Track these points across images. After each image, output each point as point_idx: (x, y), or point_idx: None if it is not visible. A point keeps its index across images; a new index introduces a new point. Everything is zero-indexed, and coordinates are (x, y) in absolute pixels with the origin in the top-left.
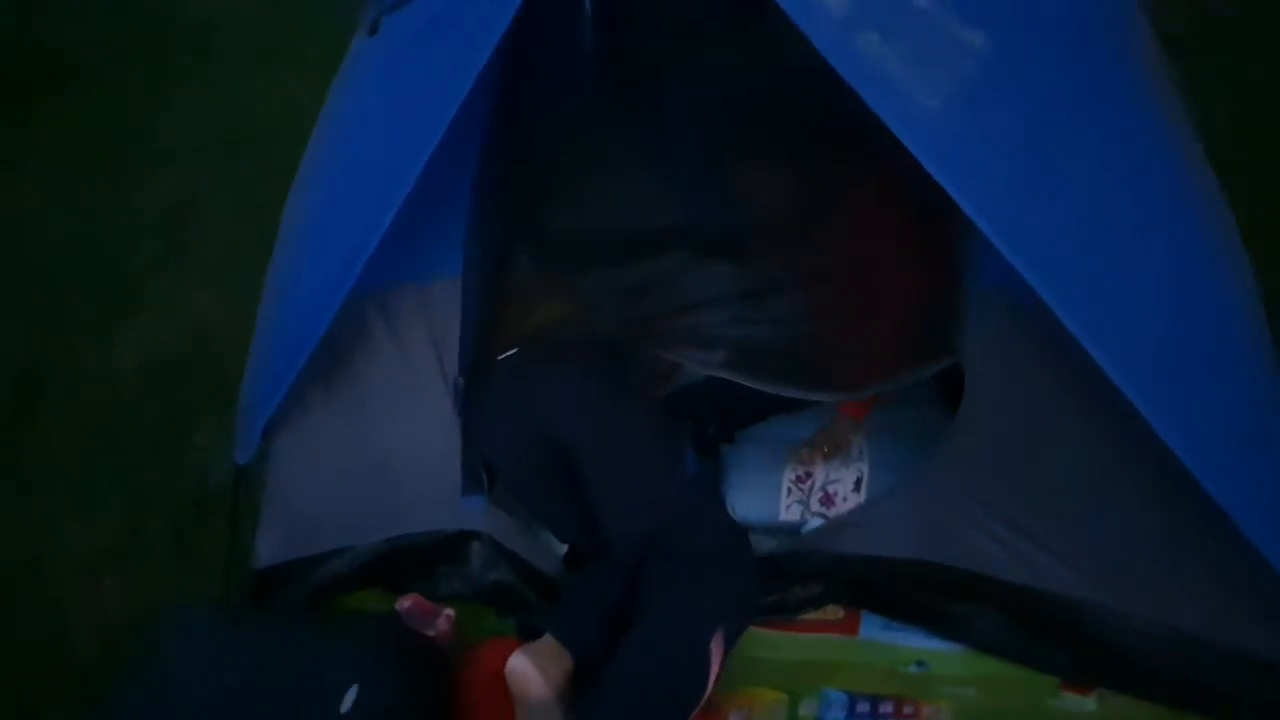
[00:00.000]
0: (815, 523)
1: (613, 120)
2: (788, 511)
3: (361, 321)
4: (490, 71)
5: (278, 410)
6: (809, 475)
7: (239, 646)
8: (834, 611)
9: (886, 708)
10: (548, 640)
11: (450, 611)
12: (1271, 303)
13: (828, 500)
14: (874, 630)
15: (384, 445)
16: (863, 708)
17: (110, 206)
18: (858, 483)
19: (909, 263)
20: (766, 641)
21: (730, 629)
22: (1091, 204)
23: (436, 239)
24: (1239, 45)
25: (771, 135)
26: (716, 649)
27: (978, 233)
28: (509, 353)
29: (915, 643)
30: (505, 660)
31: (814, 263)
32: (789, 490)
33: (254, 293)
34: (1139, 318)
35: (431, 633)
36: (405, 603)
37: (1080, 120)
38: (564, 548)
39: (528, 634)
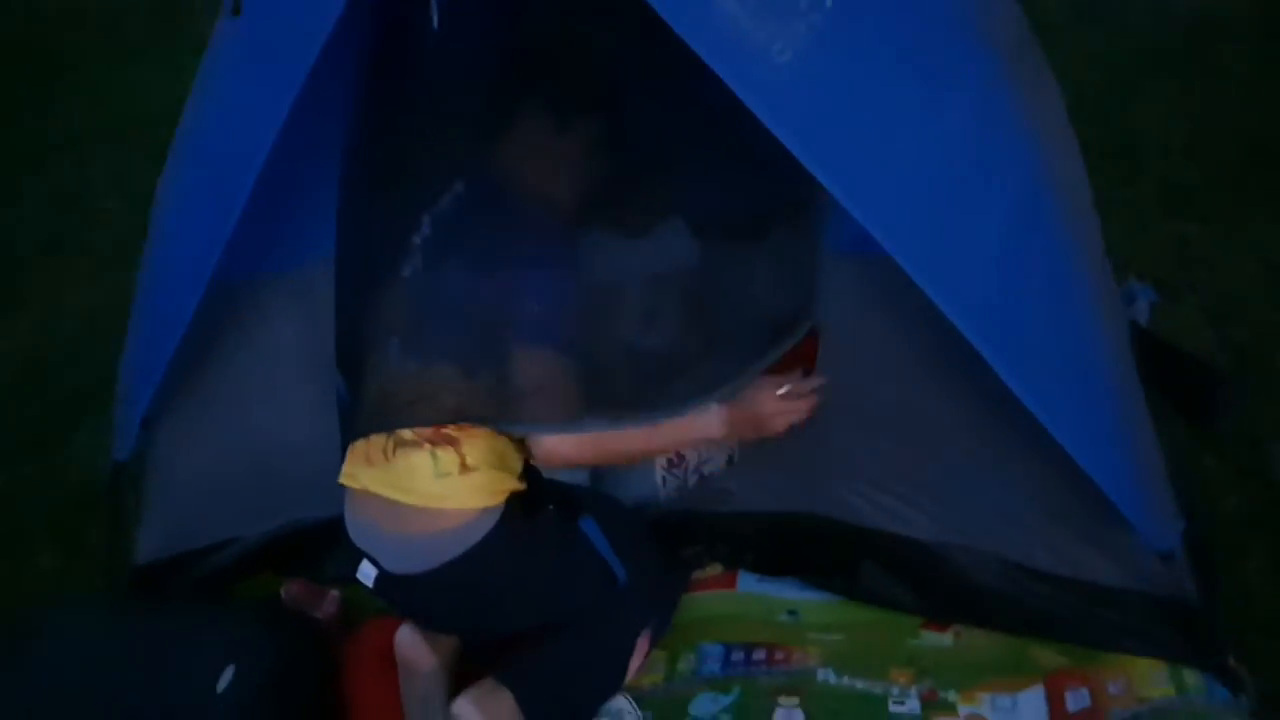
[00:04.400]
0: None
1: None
2: (666, 496)
3: (234, 309)
4: (350, 55)
5: (155, 403)
6: (681, 458)
7: (114, 631)
8: (713, 568)
9: (759, 655)
10: None
11: (336, 593)
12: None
13: (702, 478)
14: (749, 583)
15: (264, 432)
16: (737, 656)
17: None
18: (730, 460)
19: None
20: None
21: (656, 630)
22: (936, 156)
23: (311, 222)
24: None
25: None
26: (641, 644)
27: (829, 196)
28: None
29: (786, 593)
30: (389, 639)
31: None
32: (663, 479)
33: None
34: (981, 266)
35: (319, 615)
36: (291, 587)
37: (925, 73)
38: None
39: None
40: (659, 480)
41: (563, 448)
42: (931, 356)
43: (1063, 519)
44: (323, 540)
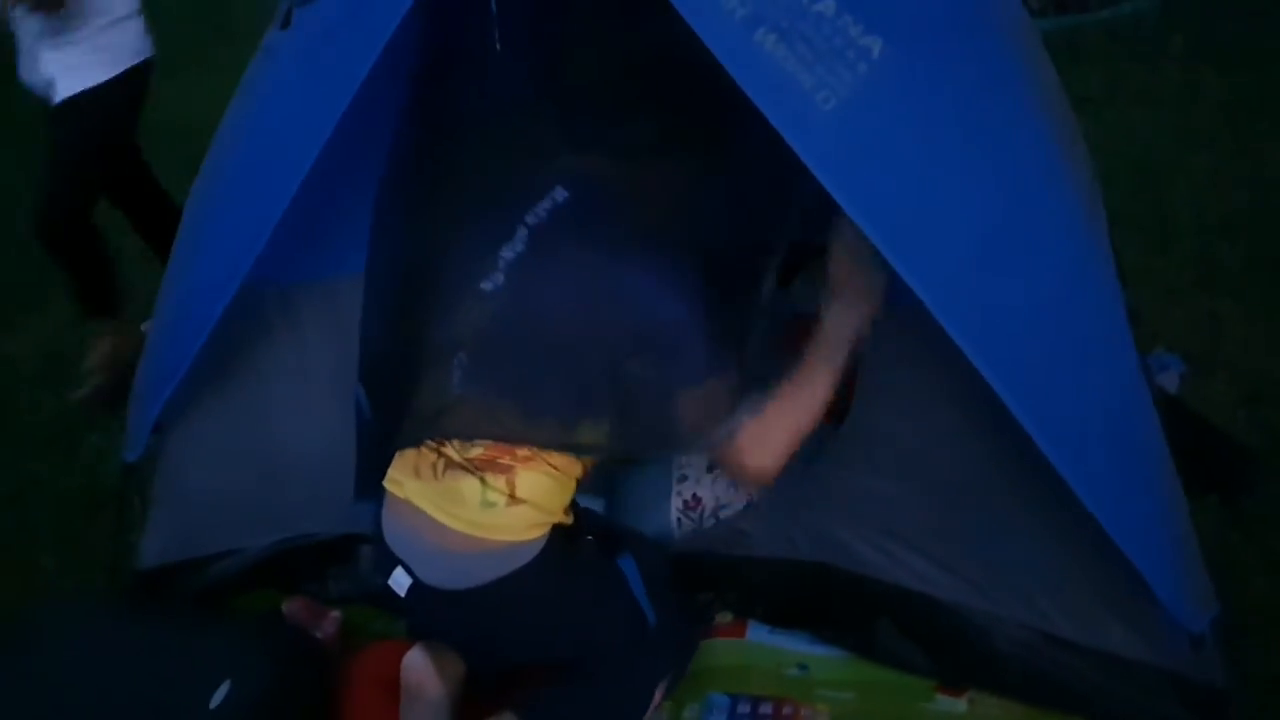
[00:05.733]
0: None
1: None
2: (681, 537)
3: (261, 316)
4: (399, 73)
5: (169, 407)
6: (698, 500)
7: (112, 638)
8: (723, 616)
9: (766, 709)
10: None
11: (337, 614)
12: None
13: (718, 521)
14: (760, 634)
15: (278, 444)
16: (743, 709)
17: (24, 202)
18: (749, 504)
19: None
20: None
21: (672, 680)
22: (981, 213)
23: (345, 234)
24: None
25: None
26: (658, 693)
27: None
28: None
29: (798, 647)
30: (389, 663)
31: None
32: (679, 521)
33: None
34: (1020, 326)
35: (319, 635)
36: (292, 605)
37: (970, 130)
38: None
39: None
40: (674, 521)
41: (766, 462)
42: (965, 410)
43: (1091, 587)
44: (329, 557)
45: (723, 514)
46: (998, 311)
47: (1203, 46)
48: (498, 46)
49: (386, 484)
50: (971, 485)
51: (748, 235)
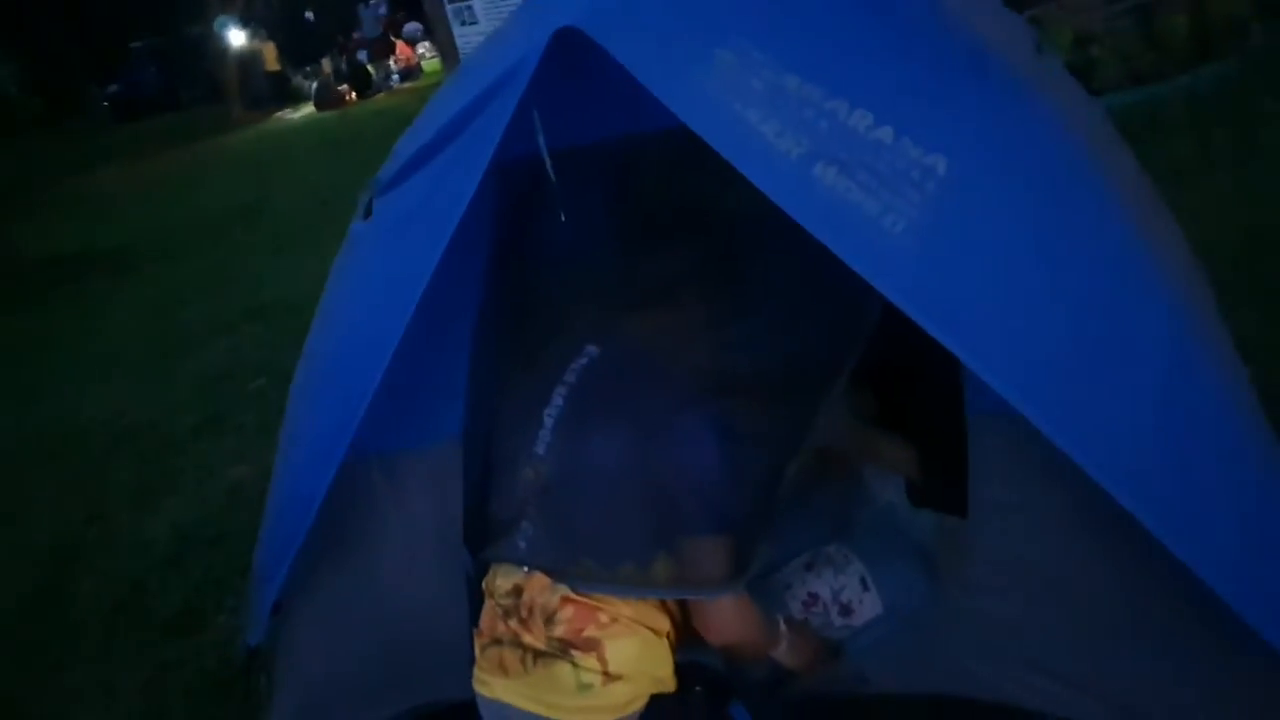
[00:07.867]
0: (843, 633)
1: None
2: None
3: (367, 488)
4: (480, 246)
5: (287, 585)
6: (815, 597)
7: None
8: None
9: None
10: None
11: None
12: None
13: (846, 610)
14: None
15: (393, 614)
16: None
17: (152, 381)
18: (864, 581)
19: None
20: None
21: None
22: (1068, 316)
23: (440, 401)
24: None
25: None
26: None
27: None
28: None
29: None
30: None
31: None
32: (806, 620)
33: None
34: (1132, 426)
35: None
36: None
37: (1050, 236)
38: None
39: None
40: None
41: (729, 630)
42: (1092, 524)
43: (1247, 706)
44: None
45: (843, 596)
46: (1102, 418)
47: None
48: (562, 218)
49: (475, 685)
50: (1109, 602)
51: (799, 360)
